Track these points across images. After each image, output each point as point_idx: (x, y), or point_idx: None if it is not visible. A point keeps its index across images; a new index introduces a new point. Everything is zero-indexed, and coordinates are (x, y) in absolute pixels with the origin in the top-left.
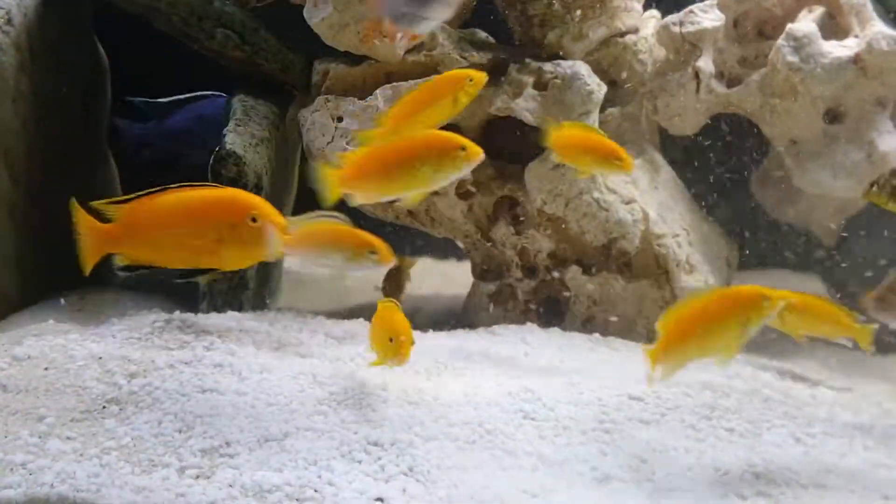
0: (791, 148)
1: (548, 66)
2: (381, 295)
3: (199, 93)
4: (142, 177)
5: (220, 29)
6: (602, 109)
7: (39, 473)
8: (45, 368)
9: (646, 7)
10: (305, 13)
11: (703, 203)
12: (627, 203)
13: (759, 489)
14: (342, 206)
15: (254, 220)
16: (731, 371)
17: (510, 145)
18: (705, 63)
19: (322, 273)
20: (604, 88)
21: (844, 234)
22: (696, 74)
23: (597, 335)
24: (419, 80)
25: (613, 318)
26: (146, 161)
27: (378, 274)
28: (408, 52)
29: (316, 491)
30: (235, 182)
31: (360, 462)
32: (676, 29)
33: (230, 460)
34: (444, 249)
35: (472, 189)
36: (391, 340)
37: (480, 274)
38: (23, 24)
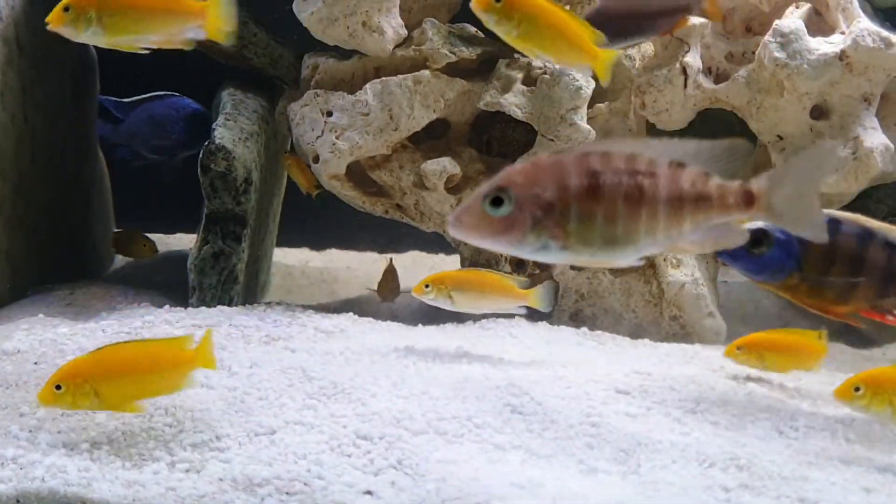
0: (777, 143)
1: (537, 62)
2: (374, 295)
3: (155, 93)
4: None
5: None
6: (590, 105)
7: (30, 468)
8: (35, 363)
9: None
10: (295, 7)
11: None
12: None
13: (742, 481)
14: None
15: None
16: (715, 365)
17: (499, 140)
18: (693, 58)
19: (313, 268)
20: (592, 84)
21: None
22: (684, 70)
23: (584, 329)
24: (408, 76)
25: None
26: (115, 161)
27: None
28: (397, 46)
29: (306, 484)
30: (225, 176)
31: (349, 456)
32: None
33: (220, 454)
34: (433, 243)
35: (461, 184)
36: None
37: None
38: (10, 17)
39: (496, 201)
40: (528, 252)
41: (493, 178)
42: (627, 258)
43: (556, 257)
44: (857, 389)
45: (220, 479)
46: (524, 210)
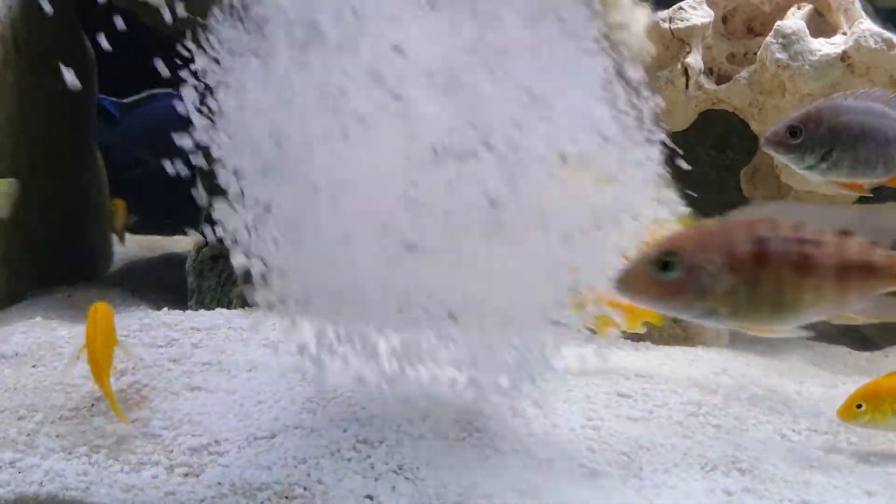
0: None
1: None
2: None
3: (153, 91)
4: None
5: None
6: None
7: (28, 472)
8: (33, 366)
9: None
10: None
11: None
12: None
13: (744, 485)
14: None
15: None
16: (717, 368)
17: None
18: (694, 59)
19: None
20: None
21: None
22: (685, 71)
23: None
24: None
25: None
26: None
27: None
28: None
29: (305, 489)
30: None
31: (349, 460)
32: (666, 25)
33: (219, 458)
34: None
35: None
36: None
37: None
38: (7, 17)
39: (664, 265)
40: (695, 316)
41: (658, 242)
42: (792, 326)
43: (723, 323)
44: (858, 406)
45: (219, 484)
46: (692, 276)
